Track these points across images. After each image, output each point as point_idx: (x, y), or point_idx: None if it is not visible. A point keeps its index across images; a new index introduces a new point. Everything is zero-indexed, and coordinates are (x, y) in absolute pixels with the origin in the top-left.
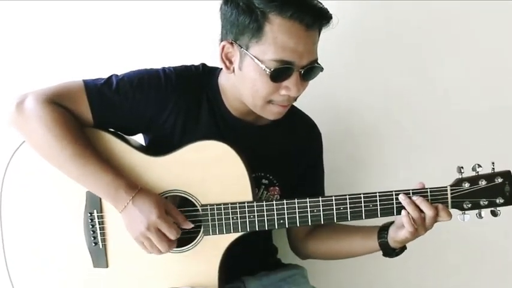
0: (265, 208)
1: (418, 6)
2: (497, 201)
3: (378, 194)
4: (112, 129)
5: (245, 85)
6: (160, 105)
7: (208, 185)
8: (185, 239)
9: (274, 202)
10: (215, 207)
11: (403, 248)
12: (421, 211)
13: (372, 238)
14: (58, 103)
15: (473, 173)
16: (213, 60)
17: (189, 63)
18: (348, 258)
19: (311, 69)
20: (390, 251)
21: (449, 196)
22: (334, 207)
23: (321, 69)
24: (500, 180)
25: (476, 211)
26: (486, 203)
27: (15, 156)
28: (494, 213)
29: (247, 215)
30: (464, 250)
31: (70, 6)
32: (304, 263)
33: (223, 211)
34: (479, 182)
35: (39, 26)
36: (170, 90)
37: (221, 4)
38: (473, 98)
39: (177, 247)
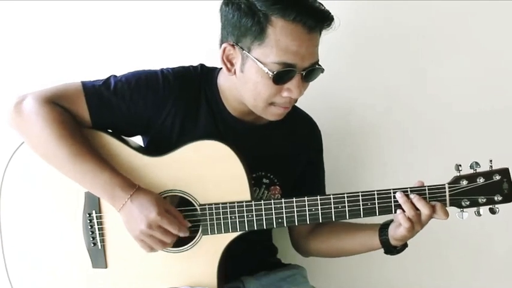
0: (263, 207)
1: (418, 6)
2: (496, 198)
3: (376, 192)
4: (110, 130)
5: (247, 87)
6: (159, 106)
7: (207, 185)
8: (184, 239)
9: (272, 201)
10: (213, 206)
11: (404, 246)
12: (416, 209)
13: (374, 236)
14: (56, 103)
15: (471, 171)
16: (211, 60)
17: (187, 64)
18: (348, 257)
19: (312, 71)
20: (391, 249)
21: (447, 194)
22: (333, 205)
23: (322, 70)
24: (498, 177)
25: (475, 209)
26: (484, 200)
27: (14, 157)
28: (492, 211)
29: (245, 214)
30: (464, 250)
31: (69, 7)
32: (304, 263)
33: (221, 211)
34: (477, 180)
35: (38, 26)
36: (168, 91)
37: (221, 5)
38: (472, 98)
39: (176, 247)
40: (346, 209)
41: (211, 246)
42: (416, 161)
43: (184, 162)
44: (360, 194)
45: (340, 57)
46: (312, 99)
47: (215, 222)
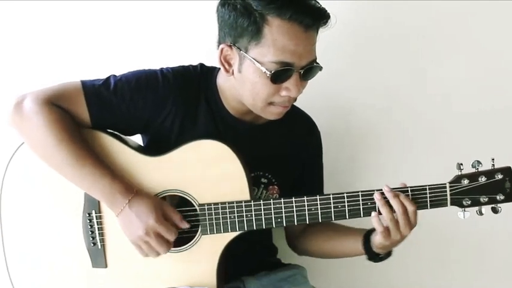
0: (262, 207)
1: (418, 6)
2: (498, 197)
3: (375, 191)
4: (109, 130)
5: (245, 87)
6: (158, 106)
7: (206, 185)
8: (183, 239)
9: (271, 201)
10: (213, 206)
11: (387, 254)
12: (392, 211)
13: (358, 241)
14: (56, 104)
15: (473, 170)
16: (211, 60)
17: (187, 64)
18: (347, 258)
19: (310, 69)
20: (374, 256)
21: (448, 193)
22: (332, 205)
23: (320, 68)
24: (500, 176)
25: (477, 208)
26: (486, 199)
27: (15, 157)
28: (495, 210)
29: (244, 214)
30: (465, 250)
31: (68, 7)
32: (305, 263)
33: (220, 210)
34: (479, 179)
35: (38, 26)
36: (168, 90)
37: (218, 6)
38: (472, 97)
39: (176, 247)
40: (346, 208)
41: (211, 246)
42: (416, 160)
43: (183, 162)
44: (359, 193)
45: (340, 57)
46: (311, 99)
47: (214, 222)
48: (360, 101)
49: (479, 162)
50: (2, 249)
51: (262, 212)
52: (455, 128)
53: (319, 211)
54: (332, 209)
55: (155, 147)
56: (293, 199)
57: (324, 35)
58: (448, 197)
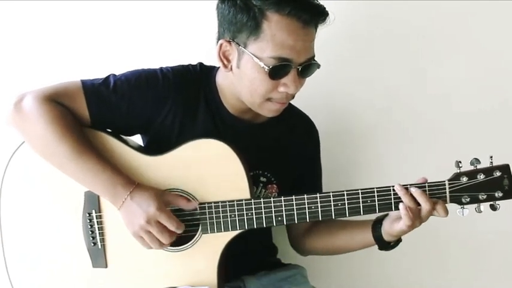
0: (263, 206)
1: (418, 6)
2: (496, 195)
3: (375, 189)
4: (109, 130)
5: (243, 83)
6: (158, 105)
7: (206, 183)
8: (184, 238)
9: (271, 199)
10: (213, 205)
11: (398, 241)
12: (417, 203)
13: (368, 232)
14: (56, 101)
15: (472, 167)
16: (210, 59)
17: (186, 63)
18: (348, 257)
19: (308, 66)
20: (385, 245)
21: (447, 190)
22: (332, 203)
23: (318, 66)
24: (498, 174)
25: (475, 205)
26: (485, 197)
27: (14, 157)
28: (493, 207)
29: (245, 212)
30: (465, 249)
31: (68, 6)
32: (304, 262)
33: (221, 209)
34: (478, 176)
35: (38, 26)
36: (168, 89)
37: (218, 3)
38: (472, 96)
39: (176, 246)
40: (346, 206)
41: (211, 245)
42: (415, 159)
43: (183, 161)
44: (359, 191)
45: (340, 57)
46: (310, 99)
47: (215, 220)
48: (359, 101)
49: (477, 160)
50: (2, 249)
51: (263, 211)
52: (454, 127)
53: (319, 209)
54: (332, 207)
55: (155, 146)
56: (293, 197)
57: (323, 34)
58: (448, 195)
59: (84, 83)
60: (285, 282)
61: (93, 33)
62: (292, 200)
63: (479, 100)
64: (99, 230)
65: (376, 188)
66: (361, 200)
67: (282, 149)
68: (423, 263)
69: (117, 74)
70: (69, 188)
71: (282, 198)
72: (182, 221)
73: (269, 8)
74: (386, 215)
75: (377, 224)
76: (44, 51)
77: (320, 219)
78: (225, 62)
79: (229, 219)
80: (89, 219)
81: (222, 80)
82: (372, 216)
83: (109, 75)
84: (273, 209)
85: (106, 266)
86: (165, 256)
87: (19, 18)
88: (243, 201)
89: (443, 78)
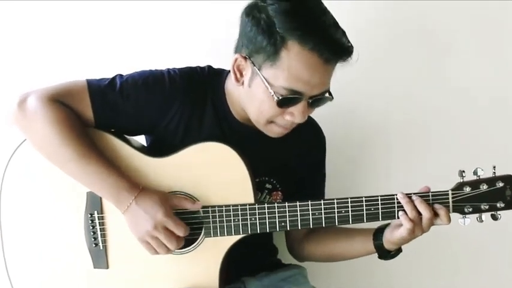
0: (266, 210)
1: (419, 5)
2: (498, 205)
3: (379, 197)
4: (113, 130)
5: (251, 102)
6: (164, 107)
7: (210, 187)
8: (186, 241)
9: (275, 204)
10: (216, 209)
11: (398, 250)
12: (419, 213)
13: (368, 241)
14: (61, 102)
15: (475, 177)
16: (217, 61)
17: (194, 65)
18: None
19: (320, 99)
20: (385, 253)
21: (450, 200)
22: (336, 210)
23: (331, 99)
24: (501, 184)
25: (477, 215)
26: (487, 207)
27: (15, 155)
28: (494, 217)
29: (248, 217)
30: (465, 250)
31: (73, 6)
32: (305, 263)
33: (224, 213)
34: (481, 186)
35: (42, 25)
36: (174, 91)
37: (242, 13)
38: (476, 102)
39: (178, 249)
40: (350, 213)
41: (214, 249)
42: (417, 164)
43: (188, 164)
44: (363, 198)
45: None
46: None
47: (218, 224)
48: (360, 104)
49: (481, 170)
50: (2, 249)
51: (266, 216)
52: (457, 131)
53: (323, 216)
54: (336, 214)
55: (159, 148)
56: (297, 203)
57: None
58: (451, 204)
59: (90, 84)
60: (285, 283)
61: (99, 33)
62: (296, 206)
63: (481, 104)
64: (100, 231)
65: (380, 196)
66: (364, 208)
67: (288, 156)
68: (423, 263)
69: (123, 74)
70: (71, 186)
71: (286, 204)
72: (185, 223)
73: (292, 38)
74: (388, 224)
75: (378, 233)
76: (49, 50)
77: (323, 225)
78: (238, 76)
79: (232, 224)
80: (91, 220)
81: (232, 87)
82: (372, 225)
83: (115, 76)
84: (276, 215)
85: (107, 267)
86: (167, 258)
87: (24, 17)
88: (247, 206)
89: (445, 82)
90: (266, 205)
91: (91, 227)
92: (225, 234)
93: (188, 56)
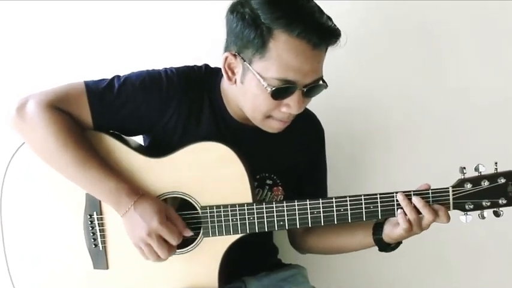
0: (264, 210)
1: (420, 5)
2: (500, 201)
3: (378, 195)
4: (111, 131)
5: (246, 98)
6: (162, 107)
7: (208, 187)
8: (185, 241)
9: (274, 204)
10: (215, 209)
11: (398, 243)
12: (418, 213)
13: (368, 234)
14: (59, 107)
15: (476, 174)
16: (214, 60)
17: (191, 64)
18: (349, 257)
19: (314, 88)
20: (385, 246)
21: (451, 197)
22: (335, 208)
23: (325, 86)
24: (503, 180)
25: (478, 212)
26: (488, 204)
27: (15, 157)
28: (496, 214)
29: (246, 216)
30: (465, 250)
31: (72, 6)
32: (305, 263)
33: (222, 213)
34: (482, 183)
35: (40, 26)
36: (172, 91)
37: (227, 12)
38: (476, 99)
39: (178, 248)
40: (349, 212)
41: (213, 248)
42: (418, 162)
43: (186, 164)
44: (362, 196)
45: (342, 57)
46: (312, 100)
47: (216, 224)
48: (361, 102)
49: (482, 166)
50: (3, 250)
51: (265, 215)
52: (457, 128)
53: (322, 214)
54: (335, 213)
55: (157, 147)
56: (295, 202)
57: None
58: (451, 201)
59: (88, 87)
60: (285, 283)
61: (97, 34)
62: (294, 205)
63: (482, 101)
64: (100, 232)
65: (379, 193)
66: (363, 206)
67: (287, 150)
68: (423, 263)
69: (121, 75)
70: (71, 187)
71: (284, 203)
72: (180, 232)
73: (278, 27)
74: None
75: (378, 227)
76: (47, 51)
77: (322, 224)
78: (230, 75)
79: (231, 223)
80: (90, 221)
81: (227, 86)
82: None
83: (113, 78)
84: (275, 214)
85: (107, 268)
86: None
87: (22, 18)
88: (245, 206)
89: (445, 79)
90: (264, 204)
91: (90, 228)
92: (224, 233)
93: (187, 56)
